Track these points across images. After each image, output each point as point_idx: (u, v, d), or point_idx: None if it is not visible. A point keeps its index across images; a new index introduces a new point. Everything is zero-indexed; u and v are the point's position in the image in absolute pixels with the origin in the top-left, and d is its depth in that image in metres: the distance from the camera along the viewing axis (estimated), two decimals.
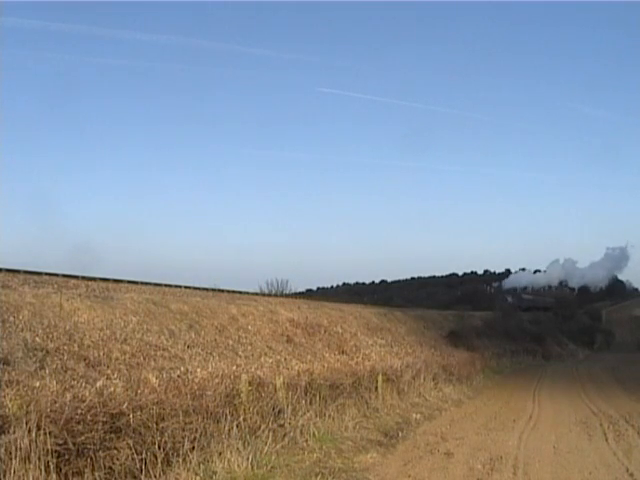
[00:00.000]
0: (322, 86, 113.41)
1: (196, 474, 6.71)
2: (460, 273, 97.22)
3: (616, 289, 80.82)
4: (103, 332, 11.05)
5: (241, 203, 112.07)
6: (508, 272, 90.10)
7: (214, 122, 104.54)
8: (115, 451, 6.35)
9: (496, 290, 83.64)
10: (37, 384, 7.55)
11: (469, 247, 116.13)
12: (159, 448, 6.68)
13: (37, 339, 9.57)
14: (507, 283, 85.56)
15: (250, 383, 9.30)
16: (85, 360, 9.52)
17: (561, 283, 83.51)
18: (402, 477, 7.59)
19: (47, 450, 5.79)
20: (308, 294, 44.59)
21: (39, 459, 5.73)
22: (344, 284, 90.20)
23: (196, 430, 7.32)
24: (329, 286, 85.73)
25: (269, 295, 26.86)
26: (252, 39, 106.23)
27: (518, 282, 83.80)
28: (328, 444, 8.77)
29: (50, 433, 5.92)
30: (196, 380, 9.36)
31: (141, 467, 6.40)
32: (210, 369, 10.72)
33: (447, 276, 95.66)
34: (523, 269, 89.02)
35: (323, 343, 17.49)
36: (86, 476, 5.96)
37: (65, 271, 16.66)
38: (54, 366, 8.83)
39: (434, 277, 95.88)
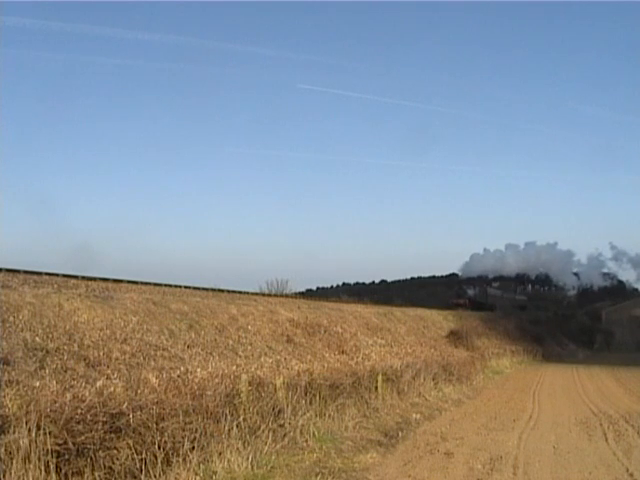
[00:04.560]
0: (323, 86, 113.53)
1: (196, 474, 6.72)
2: (460, 273, 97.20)
3: (616, 289, 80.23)
4: (103, 332, 11.04)
5: (241, 203, 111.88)
6: None
7: (214, 121, 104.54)
8: (115, 451, 6.36)
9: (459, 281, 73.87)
10: (37, 384, 7.56)
11: (469, 247, 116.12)
12: (159, 448, 6.68)
13: (37, 339, 9.57)
14: (467, 271, 75.46)
15: (250, 383, 9.31)
16: (85, 360, 9.52)
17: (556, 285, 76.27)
18: (402, 477, 7.60)
19: (47, 450, 5.80)
20: (308, 294, 44.41)
21: (39, 459, 5.73)
22: (344, 284, 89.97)
23: (196, 430, 7.32)
24: (329, 286, 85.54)
25: (269, 295, 26.78)
26: (252, 38, 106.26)
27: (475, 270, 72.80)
28: (328, 444, 8.78)
29: (50, 433, 5.92)
30: (196, 380, 9.37)
31: (141, 467, 6.41)
32: (210, 369, 10.73)
33: (447, 276, 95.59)
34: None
35: (323, 343, 17.48)
36: (86, 476, 5.97)
37: (65, 271, 16.61)
38: (54, 366, 8.82)
39: (434, 277, 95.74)
